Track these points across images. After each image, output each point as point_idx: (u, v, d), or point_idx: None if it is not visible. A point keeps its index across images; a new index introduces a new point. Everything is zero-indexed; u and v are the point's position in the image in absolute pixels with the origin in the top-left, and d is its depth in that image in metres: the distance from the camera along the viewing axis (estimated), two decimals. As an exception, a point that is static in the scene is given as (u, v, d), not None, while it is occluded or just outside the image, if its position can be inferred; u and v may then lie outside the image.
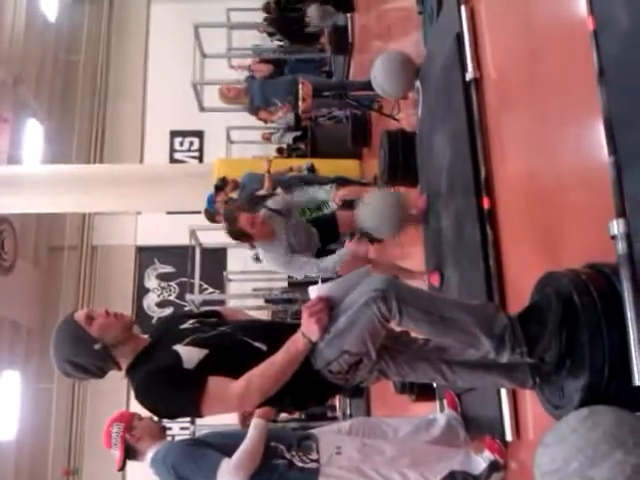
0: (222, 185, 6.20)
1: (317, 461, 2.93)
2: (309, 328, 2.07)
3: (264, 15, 9.84)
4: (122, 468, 3.15)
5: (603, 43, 1.95)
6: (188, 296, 8.93)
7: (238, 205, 4.60)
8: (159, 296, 11.69)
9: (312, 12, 8.28)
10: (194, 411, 2.07)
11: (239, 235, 4.12)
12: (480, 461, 2.96)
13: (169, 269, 11.69)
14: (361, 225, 4.06)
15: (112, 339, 2.15)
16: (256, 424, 2.88)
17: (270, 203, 4.33)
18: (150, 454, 3.03)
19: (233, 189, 6.14)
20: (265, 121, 7.65)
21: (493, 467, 2.90)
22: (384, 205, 4.01)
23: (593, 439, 1.64)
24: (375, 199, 4.08)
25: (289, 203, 4.46)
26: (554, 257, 2.43)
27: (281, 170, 6.20)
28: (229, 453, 2.81)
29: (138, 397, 2.14)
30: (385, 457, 2.97)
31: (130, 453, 3.11)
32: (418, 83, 4.34)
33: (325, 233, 4.50)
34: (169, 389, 2.06)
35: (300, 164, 6.29)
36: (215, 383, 2.04)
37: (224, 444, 2.89)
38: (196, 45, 9.10)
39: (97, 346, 2.13)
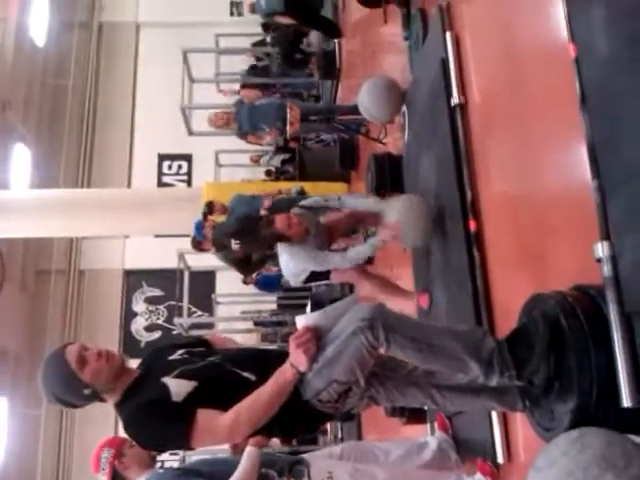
0: (209, 210, 6.21)
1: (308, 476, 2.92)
2: (297, 358, 2.07)
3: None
4: None
5: (585, 69, 1.98)
6: (176, 319, 8.89)
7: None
8: (147, 320, 11.62)
9: (314, 37, 8.42)
10: (183, 444, 2.07)
11: (275, 239, 3.87)
12: None
13: (157, 292, 11.64)
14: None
15: (102, 384, 2.14)
16: (249, 453, 2.86)
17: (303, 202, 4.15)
18: None
19: (221, 213, 6.15)
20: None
21: None
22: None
23: (583, 461, 1.64)
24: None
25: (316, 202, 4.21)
26: (541, 279, 2.45)
27: (271, 192, 6.22)
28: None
29: (127, 430, 2.14)
30: (375, 476, 2.96)
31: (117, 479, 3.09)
32: (404, 108, 4.39)
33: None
34: (158, 422, 2.06)
35: (289, 187, 6.31)
36: (204, 416, 2.04)
37: (214, 472, 2.88)
38: (185, 70, 9.15)
39: (87, 391, 2.13)
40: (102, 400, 2.19)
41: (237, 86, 9.17)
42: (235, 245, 5.71)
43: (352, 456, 3.14)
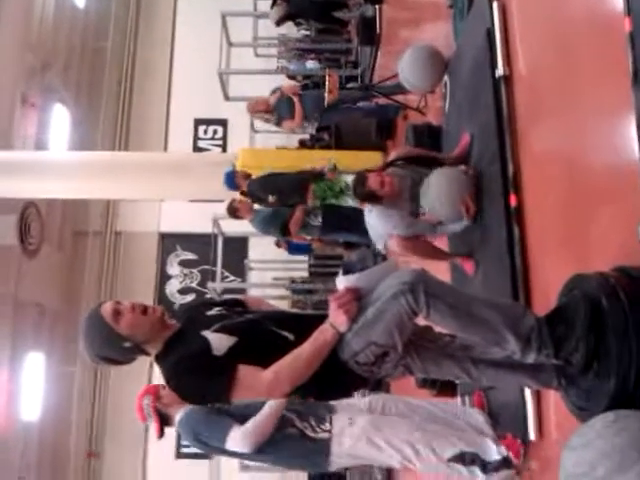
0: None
1: (329, 431, 2.99)
2: (337, 319, 2.08)
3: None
4: (162, 435, 3.29)
5: (639, 45, 1.93)
6: (210, 284, 9.01)
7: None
8: (181, 283, 11.78)
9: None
10: (223, 398, 2.11)
11: (368, 197, 3.79)
12: (494, 450, 2.95)
13: (191, 256, 11.77)
14: (429, 204, 3.64)
15: (141, 336, 2.17)
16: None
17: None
18: (177, 417, 3.16)
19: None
20: (291, 130, 7.68)
21: (505, 463, 2.91)
22: (448, 182, 3.59)
23: (619, 445, 1.64)
24: (438, 178, 3.64)
25: None
26: (582, 258, 2.42)
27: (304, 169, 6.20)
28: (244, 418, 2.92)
29: (169, 383, 2.18)
30: (397, 430, 3.00)
31: (165, 420, 3.25)
32: (446, 77, 4.31)
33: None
34: (200, 376, 2.09)
35: (323, 164, 6.28)
36: (245, 372, 2.07)
37: (244, 414, 2.97)
38: (223, 33, 9.10)
39: (127, 344, 2.16)
40: (145, 353, 2.23)
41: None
42: (271, 198, 5.81)
43: (379, 408, 3.18)
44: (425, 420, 3.16)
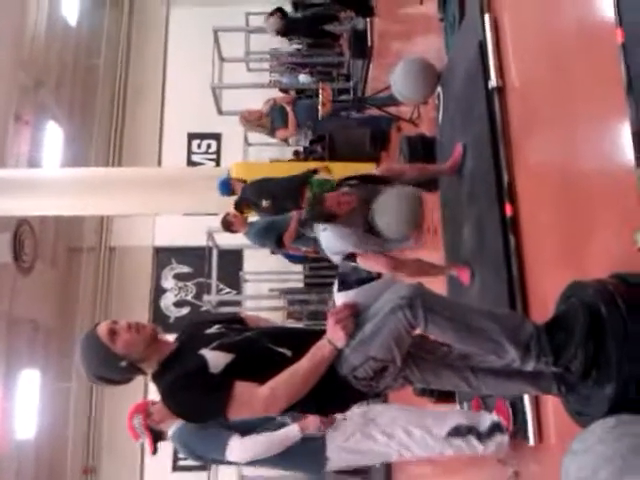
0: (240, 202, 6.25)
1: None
2: (335, 334, 2.09)
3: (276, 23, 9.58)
4: (155, 451, 3.28)
5: (632, 56, 1.96)
6: (205, 297, 9.01)
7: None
8: (176, 296, 11.76)
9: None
10: (220, 415, 2.10)
11: (325, 217, 3.85)
12: (486, 418, 2.99)
13: (186, 269, 11.76)
14: (376, 223, 3.76)
15: (137, 354, 2.18)
16: (292, 430, 2.96)
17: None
18: (170, 432, 3.18)
19: (250, 207, 6.20)
20: (284, 140, 7.72)
21: (495, 428, 2.94)
22: (400, 201, 3.71)
23: (621, 449, 1.65)
24: (391, 195, 3.75)
25: None
26: (579, 266, 2.44)
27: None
28: (243, 428, 2.92)
29: (165, 402, 2.19)
30: (389, 417, 3.02)
31: (158, 436, 3.24)
32: (439, 89, 4.36)
33: None
34: (196, 393, 2.10)
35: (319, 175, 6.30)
36: (242, 388, 2.07)
37: (245, 422, 2.94)
38: (215, 49, 9.15)
39: (123, 363, 2.17)
40: (141, 372, 2.23)
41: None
42: (265, 203, 5.81)
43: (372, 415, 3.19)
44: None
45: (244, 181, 6.16)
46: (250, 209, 6.07)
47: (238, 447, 2.94)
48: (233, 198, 6.18)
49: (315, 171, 5.86)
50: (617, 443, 1.68)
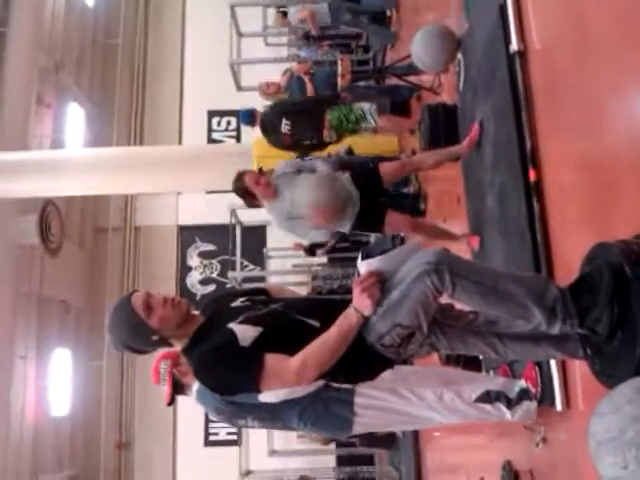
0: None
1: None
2: (361, 303, 2.10)
3: None
4: (171, 403, 3.21)
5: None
6: (230, 273, 9.08)
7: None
8: (201, 274, 11.87)
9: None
10: (252, 387, 2.13)
11: (243, 193, 4.27)
12: (515, 384, 2.99)
13: (210, 247, 11.85)
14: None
15: (170, 330, 2.21)
16: None
17: (281, 166, 4.40)
18: (195, 386, 3.14)
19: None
20: None
21: (524, 394, 2.93)
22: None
23: (649, 408, 1.66)
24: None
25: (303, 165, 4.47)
26: (603, 229, 2.42)
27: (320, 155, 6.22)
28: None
29: (197, 376, 2.22)
30: (419, 377, 3.01)
31: (178, 388, 3.17)
32: (460, 56, 4.30)
33: (367, 189, 4.27)
34: (227, 367, 2.12)
35: (337, 148, 6.28)
36: (272, 360, 2.09)
37: None
38: (232, 24, 9.10)
39: (155, 337, 2.20)
40: (170, 345, 2.27)
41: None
42: (285, 126, 5.85)
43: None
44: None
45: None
46: (270, 135, 6.04)
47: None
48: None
49: (338, 96, 5.84)
50: (645, 402, 1.68)
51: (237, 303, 2.36)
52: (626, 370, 1.89)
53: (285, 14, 7.27)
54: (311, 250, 8.77)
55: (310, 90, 6.21)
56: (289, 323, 2.22)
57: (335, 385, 2.94)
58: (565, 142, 2.86)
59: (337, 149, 6.37)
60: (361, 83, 6.61)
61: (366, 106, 5.63)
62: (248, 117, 6.10)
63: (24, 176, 8.23)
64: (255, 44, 9.88)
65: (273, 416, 3.05)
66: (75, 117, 11.29)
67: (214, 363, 2.14)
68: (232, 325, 2.17)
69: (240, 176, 4.22)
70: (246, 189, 4.19)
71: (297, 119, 5.65)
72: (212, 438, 10.80)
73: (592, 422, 1.80)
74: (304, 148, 5.72)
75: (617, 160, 2.35)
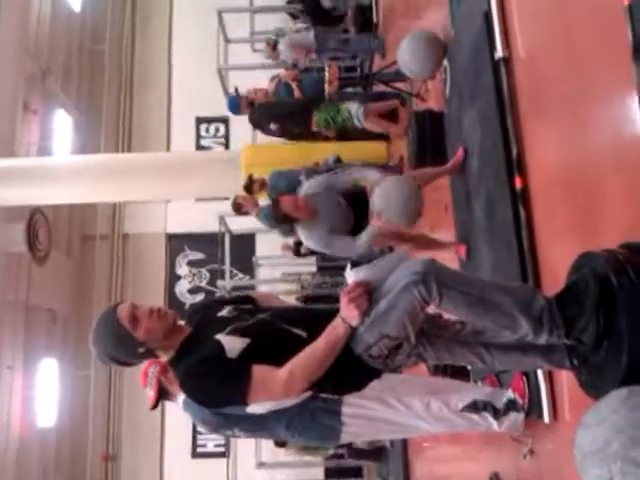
0: (249, 186, 6.25)
1: None
2: (349, 313, 2.07)
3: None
4: (155, 407, 3.17)
5: (637, 18, 1.91)
6: (219, 282, 9.05)
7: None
8: (190, 282, 11.81)
9: None
10: (239, 400, 2.09)
11: (283, 219, 4.19)
12: (503, 394, 2.97)
13: (199, 256, 11.79)
14: (377, 208, 3.99)
15: (157, 341, 2.17)
16: None
17: (307, 186, 4.34)
18: (183, 396, 3.10)
19: (260, 188, 6.19)
20: None
21: (511, 405, 2.91)
22: (401, 192, 3.93)
23: (634, 419, 1.63)
24: (393, 185, 4.02)
25: (329, 182, 4.41)
26: (589, 237, 2.41)
27: (308, 166, 6.21)
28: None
29: (184, 388, 2.18)
30: (407, 386, 2.98)
31: (163, 393, 3.13)
32: (446, 62, 4.30)
33: (355, 208, 4.36)
34: (214, 379, 2.08)
35: (325, 157, 6.27)
36: (260, 372, 2.06)
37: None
38: (220, 30, 9.09)
39: (141, 349, 2.16)
40: (156, 357, 2.23)
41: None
42: (273, 126, 5.89)
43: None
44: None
45: (252, 103, 6.14)
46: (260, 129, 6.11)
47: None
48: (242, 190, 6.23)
49: (322, 99, 5.91)
50: (630, 413, 1.66)
51: (224, 313, 2.31)
52: (612, 381, 1.87)
53: (275, 46, 7.34)
54: (297, 250, 8.77)
55: (298, 96, 6.21)
56: (276, 333, 2.19)
57: (322, 395, 2.91)
58: (551, 149, 2.85)
59: (326, 157, 6.36)
60: (348, 89, 6.59)
61: (353, 108, 5.68)
62: (233, 105, 6.15)
63: (11, 183, 8.16)
64: (242, 50, 9.87)
65: (260, 427, 3.02)
66: (62, 124, 11.23)
67: (201, 375, 2.11)
68: (219, 336, 2.14)
69: (276, 203, 4.17)
70: (286, 215, 4.13)
71: (285, 121, 5.71)
72: (200, 450, 10.72)
73: (578, 433, 1.78)
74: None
75: (602, 167, 2.34)
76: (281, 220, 4.23)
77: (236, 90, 6.73)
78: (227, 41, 9.25)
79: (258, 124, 6.00)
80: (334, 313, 2.13)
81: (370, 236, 4.00)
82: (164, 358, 2.22)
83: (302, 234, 4.23)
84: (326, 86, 5.77)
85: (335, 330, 2.08)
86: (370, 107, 5.86)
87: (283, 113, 5.82)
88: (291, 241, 7.55)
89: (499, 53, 3.26)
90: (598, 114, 2.37)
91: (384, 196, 3.90)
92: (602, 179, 2.33)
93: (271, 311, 2.33)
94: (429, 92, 5.24)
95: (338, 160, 6.24)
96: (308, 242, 4.25)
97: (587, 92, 2.44)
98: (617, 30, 2.04)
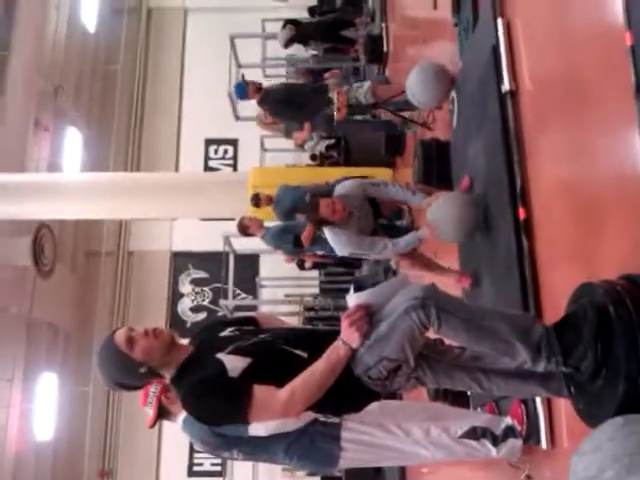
0: (255, 201, 6.31)
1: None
2: (349, 336, 2.11)
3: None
4: (153, 426, 3.21)
5: (640, 58, 1.98)
6: (222, 301, 9.07)
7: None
8: (193, 301, 11.84)
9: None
10: (240, 419, 2.13)
11: (320, 223, 4.15)
12: (501, 421, 2.98)
13: (203, 275, 11.83)
14: (432, 219, 3.87)
15: (156, 360, 2.20)
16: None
17: (340, 188, 4.28)
18: (182, 415, 3.11)
19: (267, 203, 6.25)
20: (300, 145, 7.81)
21: (509, 431, 2.93)
22: (456, 207, 3.80)
23: (629, 447, 1.66)
24: (446, 202, 3.87)
25: (362, 185, 4.35)
26: (590, 268, 2.45)
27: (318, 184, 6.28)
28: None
29: (186, 406, 2.21)
30: (406, 413, 2.99)
31: (162, 413, 3.17)
32: (453, 93, 4.38)
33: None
34: (217, 398, 2.12)
35: (335, 178, 6.35)
36: (261, 392, 2.09)
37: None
38: (232, 55, 9.24)
39: (143, 370, 2.20)
40: (159, 376, 2.26)
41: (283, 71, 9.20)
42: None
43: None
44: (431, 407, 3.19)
45: (259, 88, 6.16)
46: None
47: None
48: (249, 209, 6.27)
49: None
50: (625, 441, 1.69)
51: (226, 333, 2.36)
52: (609, 409, 1.91)
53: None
54: (301, 264, 8.79)
55: (307, 122, 6.29)
56: (277, 354, 2.22)
57: (322, 419, 2.93)
58: (554, 181, 2.91)
59: (336, 178, 6.44)
60: (357, 117, 6.69)
61: (362, 89, 5.73)
62: (241, 91, 6.19)
63: (20, 198, 8.24)
64: (254, 75, 10.00)
65: (259, 450, 3.04)
66: (73, 141, 11.35)
67: (202, 394, 2.14)
68: (221, 355, 2.17)
69: (315, 207, 4.09)
70: (323, 219, 4.09)
71: (295, 110, 5.77)
72: (196, 468, 10.67)
73: (573, 460, 1.81)
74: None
75: (604, 200, 2.39)
76: (317, 223, 4.17)
77: (243, 77, 6.73)
78: (239, 66, 9.40)
79: (270, 108, 6.04)
80: (335, 335, 2.16)
81: (414, 240, 3.93)
82: (167, 376, 2.25)
83: (331, 236, 4.13)
84: (335, 113, 5.86)
85: (336, 352, 2.12)
86: None
87: (296, 94, 5.86)
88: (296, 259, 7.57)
89: (506, 86, 3.33)
90: (601, 147, 2.43)
91: (439, 208, 3.80)
92: (604, 211, 2.38)
93: (272, 332, 2.37)
94: (436, 121, 5.32)
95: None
96: (336, 244, 4.13)
97: (591, 126, 2.50)
98: (621, 67, 2.10)
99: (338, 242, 4.10)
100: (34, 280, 9.54)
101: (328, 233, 4.14)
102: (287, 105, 6.02)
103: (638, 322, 1.87)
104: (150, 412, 3.18)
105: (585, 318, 1.98)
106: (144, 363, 2.18)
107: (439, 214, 3.76)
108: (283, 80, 6.60)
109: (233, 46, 9.22)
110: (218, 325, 2.46)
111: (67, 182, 9.18)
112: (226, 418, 2.19)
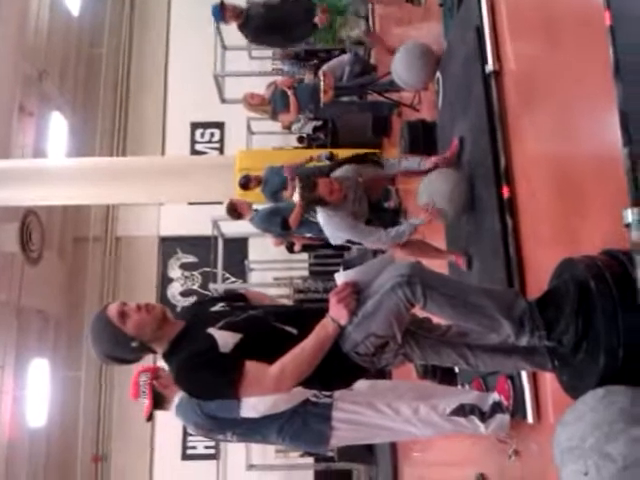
0: (246, 182, 6.32)
1: (330, 396, 3.00)
2: (337, 313, 2.15)
3: None
4: (150, 418, 3.23)
5: (619, 38, 2.01)
6: (211, 285, 9.09)
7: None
8: (182, 285, 11.84)
9: None
10: (231, 394, 2.16)
11: (316, 202, 4.06)
12: (489, 398, 3.05)
13: (192, 259, 11.82)
14: (424, 201, 3.84)
15: (148, 334, 2.22)
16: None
17: (339, 170, 4.24)
18: (176, 400, 3.11)
19: (257, 184, 6.26)
20: (287, 127, 7.76)
21: (497, 407, 2.99)
22: (446, 181, 3.77)
23: (609, 416, 1.73)
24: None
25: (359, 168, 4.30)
26: (572, 244, 2.50)
27: (301, 161, 6.29)
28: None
29: (177, 380, 2.25)
30: (396, 393, 3.04)
31: (158, 401, 3.18)
32: (439, 74, 4.40)
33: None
34: (208, 373, 2.15)
35: (319, 153, 6.37)
36: (252, 368, 2.12)
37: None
38: (217, 37, 9.17)
39: (134, 344, 2.22)
40: (151, 351, 2.29)
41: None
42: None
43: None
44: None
45: (240, 13, 6.13)
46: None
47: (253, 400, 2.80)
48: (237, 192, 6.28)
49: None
50: (606, 411, 1.75)
51: (216, 307, 2.39)
52: (590, 381, 1.96)
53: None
54: (290, 246, 8.79)
55: (293, 103, 6.28)
56: (267, 330, 2.26)
57: (313, 400, 2.99)
58: (536, 159, 2.95)
59: (319, 154, 6.46)
60: (344, 99, 6.68)
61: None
62: (218, 13, 6.16)
63: (6, 184, 8.19)
64: (239, 57, 9.96)
65: (252, 431, 3.10)
66: (58, 126, 11.25)
67: (194, 368, 2.17)
68: (212, 330, 2.20)
69: (313, 185, 4.00)
70: (321, 198, 3.99)
71: (284, 29, 5.82)
72: (190, 452, 10.73)
73: (557, 431, 1.87)
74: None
75: (585, 177, 2.44)
76: (314, 203, 4.07)
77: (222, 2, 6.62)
78: (224, 48, 9.33)
79: (255, 37, 6.08)
80: (323, 312, 2.20)
81: (410, 229, 3.86)
82: (159, 350, 2.27)
83: (323, 218, 4.07)
84: (322, 95, 5.85)
85: (324, 329, 2.16)
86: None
87: (281, 19, 5.88)
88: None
89: (490, 66, 3.36)
90: (582, 127, 2.47)
91: (430, 186, 3.78)
92: (585, 189, 2.43)
93: (262, 308, 2.40)
94: (422, 103, 5.34)
95: (330, 156, 6.32)
96: (328, 226, 4.08)
97: (572, 106, 2.54)
98: (601, 47, 2.14)
99: (330, 223, 4.06)
100: (22, 267, 9.50)
101: (321, 214, 4.10)
102: (268, 31, 6.02)
103: (618, 296, 1.92)
104: (145, 402, 3.18)
105: (567, 293, 2.04)
106: (136, 337, 2.20)
107: (433, 193, 3.74)
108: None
109: (218, 28, 9.12)
110: (209, 301, 2.50)
111: (53, 168, 9.13)
112: (217, 392, 2.24)
